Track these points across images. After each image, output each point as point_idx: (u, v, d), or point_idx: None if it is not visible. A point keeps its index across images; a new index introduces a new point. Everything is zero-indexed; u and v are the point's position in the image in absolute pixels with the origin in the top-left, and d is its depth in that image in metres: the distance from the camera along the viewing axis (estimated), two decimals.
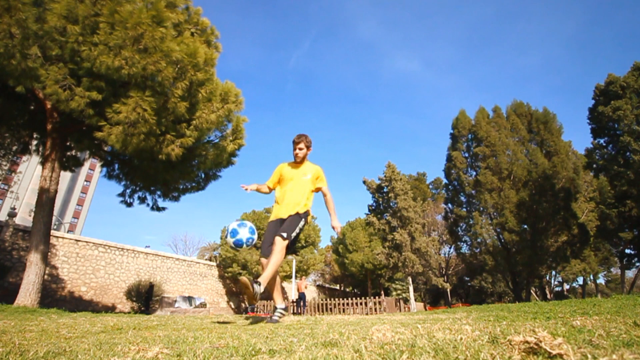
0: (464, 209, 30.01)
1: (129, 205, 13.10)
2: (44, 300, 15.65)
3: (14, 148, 14.85)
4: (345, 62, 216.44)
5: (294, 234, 4.18)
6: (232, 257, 31.54)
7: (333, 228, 4.57)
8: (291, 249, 4.24)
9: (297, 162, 4.69)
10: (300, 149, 4.58)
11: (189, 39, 8.84)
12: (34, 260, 9.64)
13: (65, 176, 67.09)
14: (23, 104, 11.23)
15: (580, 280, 41.92)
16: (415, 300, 41.40)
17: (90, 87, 8.26)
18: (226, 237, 4.03)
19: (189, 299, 24.61)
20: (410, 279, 29.83)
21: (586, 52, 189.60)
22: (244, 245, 3.97)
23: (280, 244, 4.05)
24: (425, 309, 34.20)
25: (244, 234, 4.00)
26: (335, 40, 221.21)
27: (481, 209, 28.36)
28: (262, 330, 2.77)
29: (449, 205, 32.21)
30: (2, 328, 3.12)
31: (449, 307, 33.14)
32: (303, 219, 4.38)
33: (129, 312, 17.21)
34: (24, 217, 62.84)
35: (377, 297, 21.92)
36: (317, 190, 4.67)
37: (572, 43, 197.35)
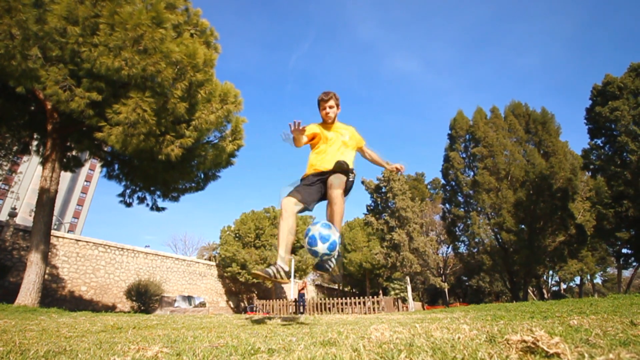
0: (462, 209, 29.96)
1: (129, 205, 13.12)
2: (44, 300, 15.63)
3: (15, 148, 14.87)
4: (345, 62, 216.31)
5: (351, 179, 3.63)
6: (232, 257, 31.54)
7: (398, 170, 4.16)
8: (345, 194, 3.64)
9: (329, 124, 4.01)
10: (331, 107, 3.93)
11: (188, 40, 8.86)
12: (34, 260, 9.64)
13: (66, 176, 67.01)
14: (23, 104, 11.24)
15: (578, 279, 41.94)
16: (413, 299, 41.40)
17: (90, 88, 8.28)
18: (312, 244, 3.22)
19: (189, 299, 24.60)
20: (408, 278, 29.87)
21: (584, 53, 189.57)
22: (337, 248, 3.30)
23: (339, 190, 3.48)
24: (423, 309, 34.20)
25: (335, 235, 3.28)
26: (334, 40, 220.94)
27: (479, 209, 28.34)
28: (261, 330, 2.79)
29: (447, 205, 32.17)
30: (2, 327, 3.13)
31: (446, 306, 33.14)
32: (351, 178, 3.68)
33: (129, 312, 17.22)
34: (25, 217, 62.66)
35: (375, 297, 21.90)
36: (361, 148, 4.19)
37: (570, 44, 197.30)
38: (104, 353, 1.59)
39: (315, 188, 3.78)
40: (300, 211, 3.69)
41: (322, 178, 3.77)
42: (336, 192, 3.47)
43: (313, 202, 3.76)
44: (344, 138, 3.94)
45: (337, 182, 3.53)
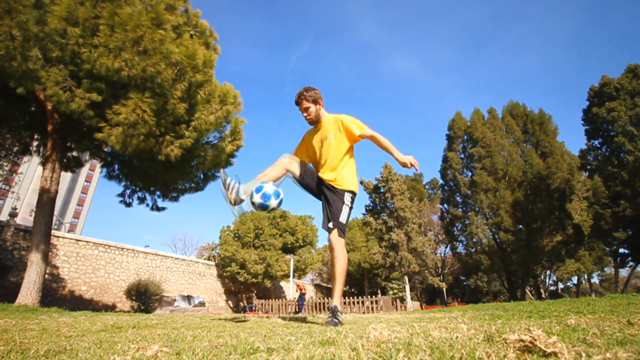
0: (460, 209, 30.00)
1: (129, 205, 13.12)
2: (45, 299, 15.62)
3: (15, 149, 14.85)
4: (344, 63, 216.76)
5: (343, 219, 3.48)
6: (231, 257, 31.54)
7: (403, 165, 3.48)
8: (344, 233, 3.50)
9: (315, 126, 3.75)
10: (306, 109, 3.62)
11: (188, 41, 8.86)
12: (34, 259, 9.64)
13: (66, 177, 66.87)
14: (24, 105, 11.24)
15: (575, 279, 41.96)
16: (412, 299, 41.40)
17: (90, 89, 8.27)
18: (266, 199, 3.19)
19: (188, 298, 24.66)
20: (406, 278, 29.91)
21: (581, 54, 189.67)
22: (272, 199, 3.19)
23: (338, 244, 3.40)
24: (422, 308, 34.18)
25: (269, 188, 3.19)
26: (334, 41, 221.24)
27: (477, 209, 28.38)
28: (261, 329, 2.79)
29: (445, 205, 32.23)
30: (3, 327, 3.12)
31: (445, 306, 33.15)
32: (349, 196, 3.55)
33: (129, 311, 17.20)
34: (25, 217, 62.50)
35: (374, 296, 21.89)
36: (359, 139, 3.65)
37: (568, 45, 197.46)
38: (104, 352, 1.59)
39: (314, 175, 3.70)
40: (293, 175, 3.57)
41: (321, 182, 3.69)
42: (331, 238, 3.44)
43: (306, 177, 3.64)
44: (329, 140, 3.63)
45: (332, 217, 3.49)
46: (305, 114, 3.67)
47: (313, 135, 3.76)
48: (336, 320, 3.22)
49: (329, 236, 3.48)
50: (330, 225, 3.46)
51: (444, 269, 46.35)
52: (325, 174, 3.64)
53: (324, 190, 3.64)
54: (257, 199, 3.19)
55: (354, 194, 3.62)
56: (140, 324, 3.53)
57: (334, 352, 1.38)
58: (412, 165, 3.45)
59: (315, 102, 3.63)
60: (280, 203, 3.26)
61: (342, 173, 3.60)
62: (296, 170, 3.53)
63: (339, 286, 3.42)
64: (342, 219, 3.48)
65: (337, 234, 3.43)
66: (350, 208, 3.57)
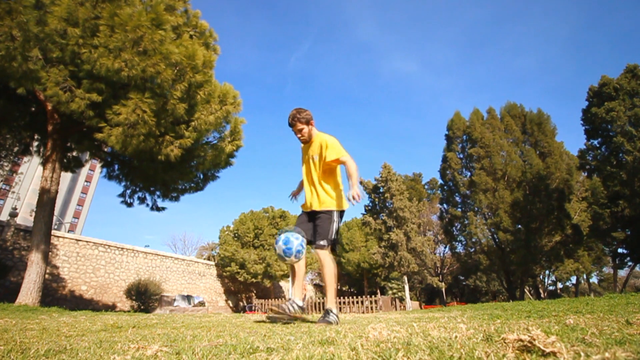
0: (459, 209, 29.97)
1: (130, 205, 13.12)
2: (45, 299, 15.61)
3: (15, 149, 14.86)
4: (344, 63, 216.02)
5: (331, 236, 3.73)
6: (231, 257, 31.55)
7: (350, 196, 3.56)
8: (335, 246, 3.82)
9: (307, 143, 4.03)
10: (300, 130, 3.90)
11: (187, 42, 8.86)
12: (35, 259, 9.65)
13: (66, 177, 66.77)
14: (24, 105, 11.25)
15: (574, 279, 41.99)
16: (411, 299, 41.38)
17: (90, 89, 8.27)
18: (276, 242, 3.59)
19: (188, 298, 24.61)
20: (405, 278, 29.87)
21: (580, 54, 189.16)
22: (293, 256, 3.50)
23: (326, 257, 3.66)
24: (421, 308, 34.16)
25: (295, 244, 3.49)
26: (333, 41, 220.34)
27: (476, 209, 28.36)
28: (260, 329, 2.79)
29: (444, 205, 32.20)
30: (3, 326, 3.13)
31: (444, 305, 33.08)
32: (335, 213, 3.81)
33: (129, 311, 17.19)
34: (25, 217, 62.40)
35: (373, 296, 21.85)
36: (335, 164, 3.86)
37: (567, 45, 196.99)
38: (104, 352, 1.59)
39: (308, 225, 3.96)
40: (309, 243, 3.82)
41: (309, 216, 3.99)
42: (318, 253, 3.71)
43: (308, 233, 3.89)
44: (314, 159, 3.91)
45: (318, 235, 3.75)
46: (299, 135, 3.96)
47: (306, 151, 4.07)
48: (328, 320, 3.46)
49: (318, 252, 3.72)
50: (323, 243, 3.70)
51: (443, 268, 46.29)
52: (308, 201, 3.97)
53: (313, 219, 3.93)
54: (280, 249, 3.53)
55: (340, 211, 3.89)
56: (140, 323, 3.53)
57: (334, 352, 1.39)
58: (354, 198, 3.55)
59: (307, 123, 3.92)
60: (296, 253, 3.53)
61: (324, 193, 3.88)
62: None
63: (331, 290, 3.69)
64: (332, 235, 3.75)
65: (329, 251, 3.71)
66: (339, 222, 3.85)
